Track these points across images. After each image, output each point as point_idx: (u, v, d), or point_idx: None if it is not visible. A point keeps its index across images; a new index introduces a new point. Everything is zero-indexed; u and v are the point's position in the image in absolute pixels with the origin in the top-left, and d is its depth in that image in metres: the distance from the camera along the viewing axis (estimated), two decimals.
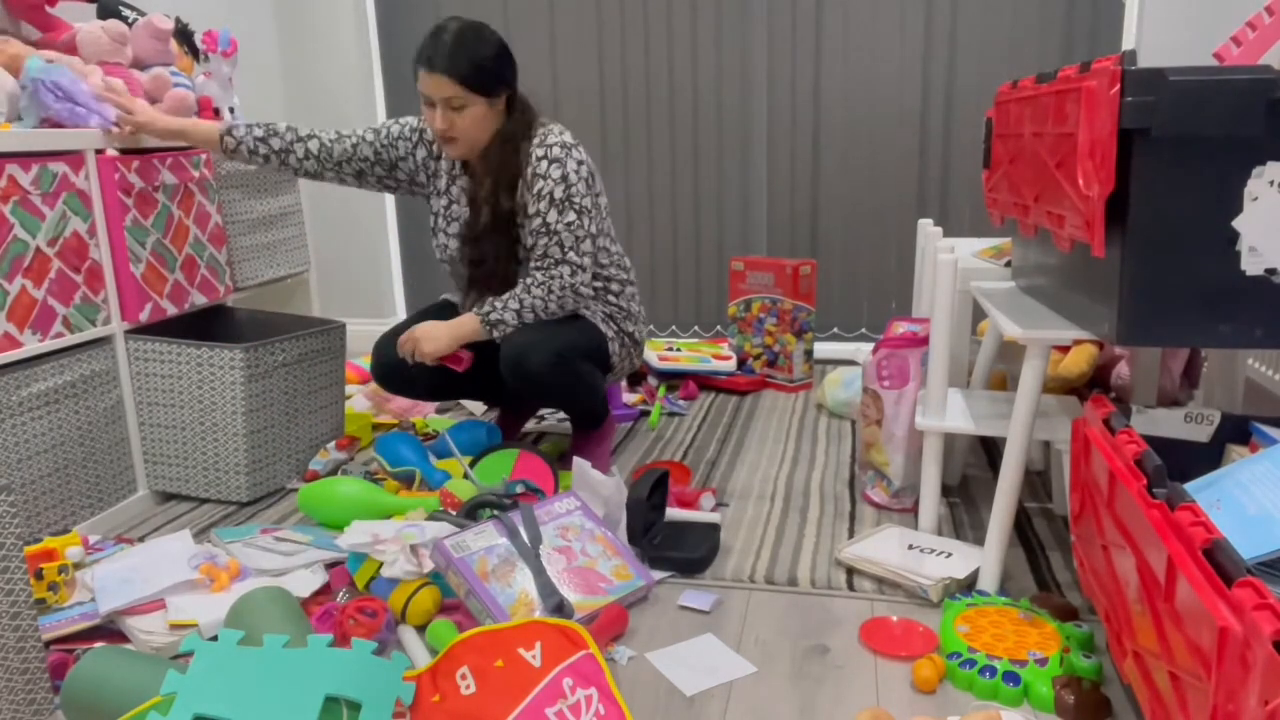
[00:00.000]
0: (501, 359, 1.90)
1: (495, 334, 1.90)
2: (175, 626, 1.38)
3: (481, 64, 1.86)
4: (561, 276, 1.87)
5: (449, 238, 2.06)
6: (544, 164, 1.89)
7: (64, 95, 1.80)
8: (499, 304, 1.89)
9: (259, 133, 2.02)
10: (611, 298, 2.08)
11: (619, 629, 1.43)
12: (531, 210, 1.89)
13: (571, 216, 1.88)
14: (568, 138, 1.92)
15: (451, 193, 2.05)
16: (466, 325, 1.91)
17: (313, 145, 2.04)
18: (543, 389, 1.92)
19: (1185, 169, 1.11)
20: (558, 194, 1.87)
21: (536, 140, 1.92)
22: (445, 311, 2.12)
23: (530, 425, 2.50)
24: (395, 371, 2.04)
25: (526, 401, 2.29)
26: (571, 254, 1.88)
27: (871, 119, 3.01)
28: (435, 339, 1.91)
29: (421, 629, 1.44)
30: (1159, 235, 1.14)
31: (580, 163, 1.91)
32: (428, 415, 2.57)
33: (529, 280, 1.89)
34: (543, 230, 1.88)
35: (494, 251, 1.96)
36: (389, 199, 3.47)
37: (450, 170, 2.06)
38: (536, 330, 1.88)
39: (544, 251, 1.88)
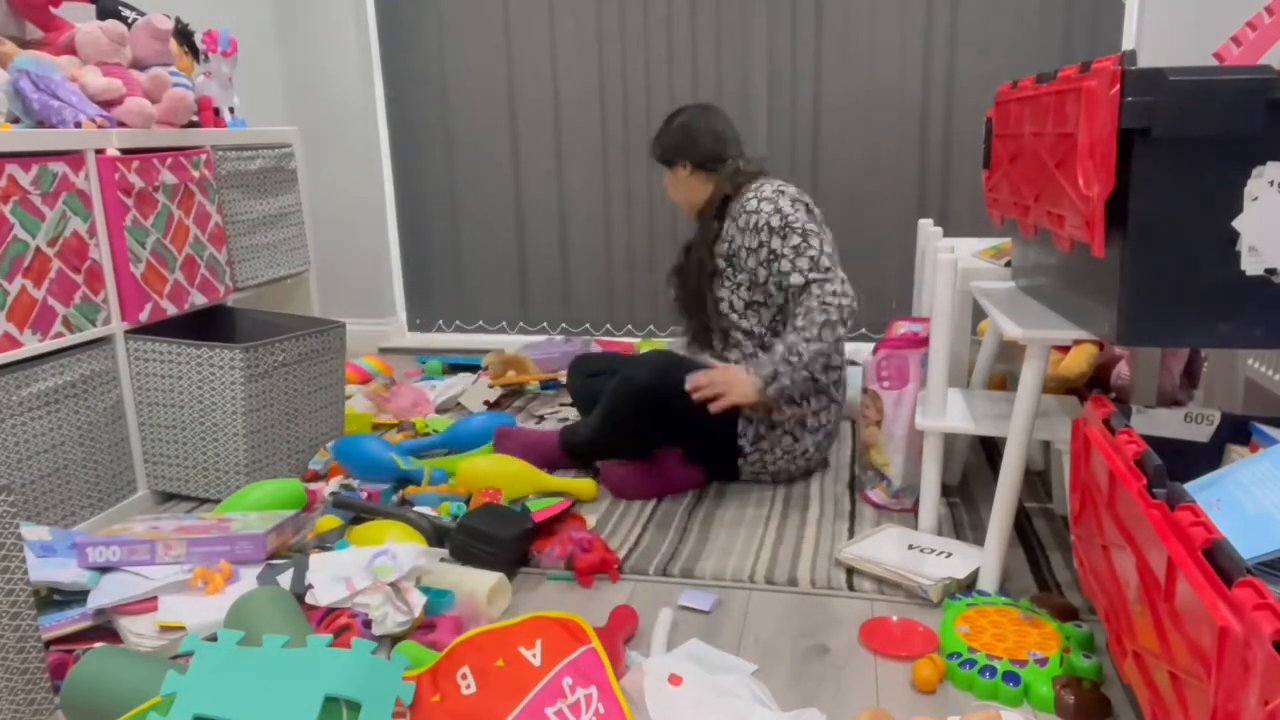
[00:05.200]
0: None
1: (770, 390, 1.84)
2: (165, 628, 1.38)
3: (657, 140, 2.14)
4: (820, 297, 1.83)
5: None
6: (753, 201, 1.97)
7: (43, 87, 1.79)
8: (775, 355, 1.84)
9: None
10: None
11: (631, 629, 1.42)
12: (754, 243, 1.95)
13: (796, 240, 1.90)
14: (784, 187, 1.99)
15: None
16: (748, 382, 1.85)
17: None
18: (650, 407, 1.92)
19: (1185, 169, 1.11)
20: (775, 223, 1.92)
21: (754, 190, 2.00)
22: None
23: (531, 426, 2.49)
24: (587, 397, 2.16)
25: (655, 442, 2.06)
26: (813, 272, 1.88)
27: (871, 119, 3.01)
28: (745, 393, 1.84)
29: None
30: (1159, 235, 1.14)
31: (795, 201, 1.95)
32: (428, 415, 2.57)
33: (798, 320, 1.85)
34: (771, 258, 1.93)
35: (686, 288, 2.11)
36: (389, 198, 3.47)
37: None
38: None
39: (787, 282, 1.91)
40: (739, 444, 1.98)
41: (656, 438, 1.98)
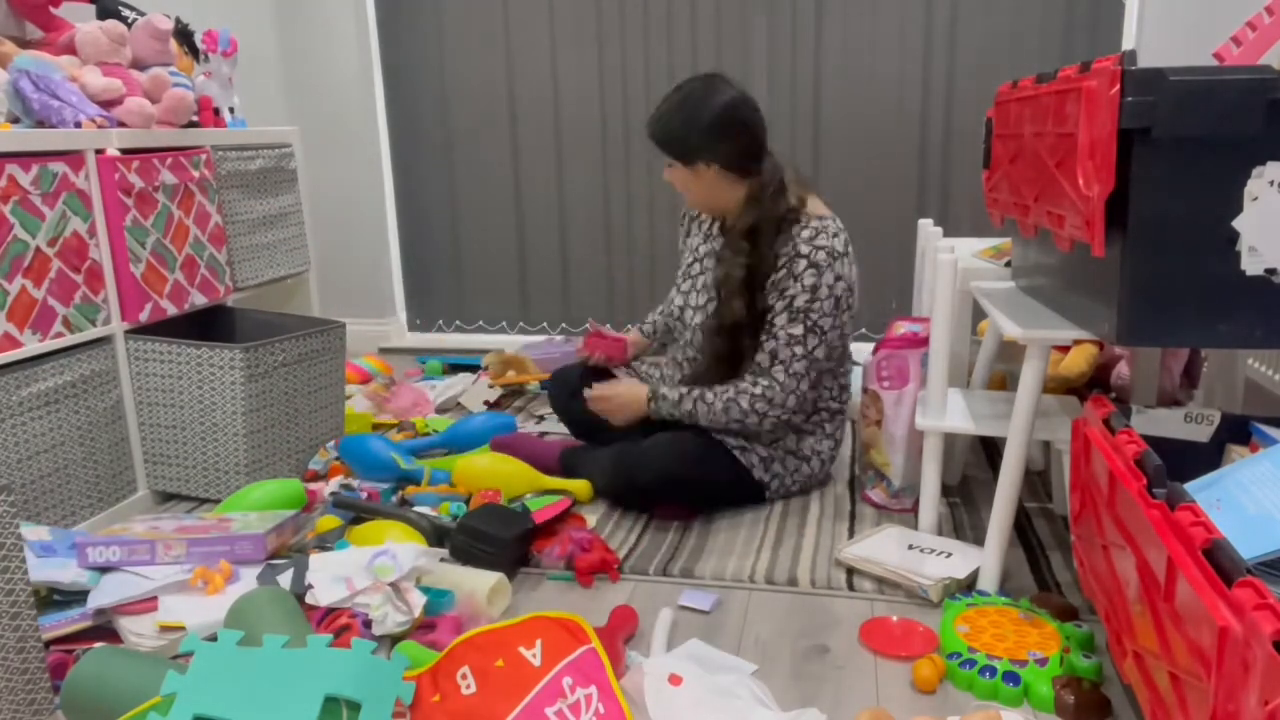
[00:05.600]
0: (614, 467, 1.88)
1: (653, 414, 1.87)
2: (164, 628, 1.38)
3: (669, 128, 1.83)
4: (755, 389, 1.78)
5: (679, 294, 2.03)
6: (801, 264, 1.77)
7: (43, 87, 1.79)
8: (671, 395, 1.84)
9: (659, 323, 2.18)
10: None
11: (631, 629, 1.42)
12: (772, 302, 1.80)
13: (799, 330, 1.77)
14: (839, 244, 1.80)
15: (699, 251, 2.01)
16: (639, 406, 1.88)
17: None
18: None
19: (1185, 169, 1.11)
20: (799, 303, 1.77)
21: (806, 235, 1.79)
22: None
23: (531, 426, 2.49)
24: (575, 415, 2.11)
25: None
26: (779, 370, 1.78)
27: (871, 119, 3.01)
28: (627, 415, 1.90)
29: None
30: (1159, 235, 1.14)
31: (839, 278, 1.79)
32: (428, 415, 2.57)
33: (726, 388, 1.81)
34: (768, 333, 1.80)
35: (723, 335, 1.88)
36: (389, 198, 3.47)
37: (706, 230, 2.02)
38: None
39: (757, 355, 1.81)
40: (760, 482, 1.89)
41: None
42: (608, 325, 2.33)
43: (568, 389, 2.12)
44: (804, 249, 1.78)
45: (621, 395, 1.90)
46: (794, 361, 1.78)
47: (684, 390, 1.84)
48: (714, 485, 1.86)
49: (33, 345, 1.73)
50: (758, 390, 1.79)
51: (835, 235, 1.81)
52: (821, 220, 1.82)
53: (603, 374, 2.09)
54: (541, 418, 2.55)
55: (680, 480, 1.81)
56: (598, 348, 2.10)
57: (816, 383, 1.88)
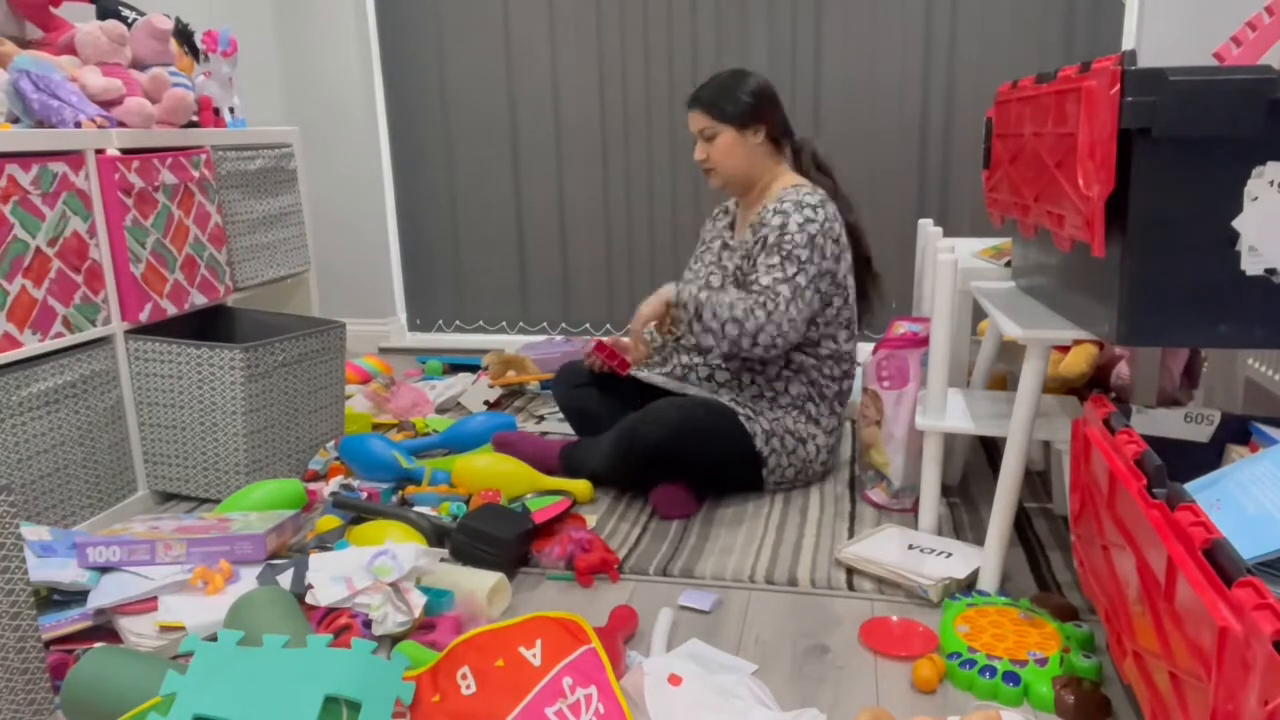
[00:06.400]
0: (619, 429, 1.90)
1: (677, 309, 1.88)
2: (164, 628, 1.38)
3: (727, 94, 1.94)
4: (758, 298, 1.82)
5: (689, 272, 2.14)
6: (769, 213, 1.90)
7: (43, 87, 1.80)
8: (693, 287, 1.88)
9: None
10: (800, 380, 1.98)
11: (631, 629, 1.42)
12: (756, 251, 1.91)
13: (775, 259, 1.84)
14: (809, 198, 1.89)
15: (711, 242, 2.13)
16: (667, 293, 1.92)
17: None
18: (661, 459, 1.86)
19: (1185, 169, 1.11)
20: (771, 238, 1.86)
21: (778, 195, 1.93)
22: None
23: (531, 426, 2.50)
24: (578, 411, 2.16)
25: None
26: (768, 296, 1.81)
27: (872, 119, 3.01)
28: (654, 304, 1.92)
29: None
30: (1159, 235, 1.14)
31: (809, 220, 1.86)
32: (428, 415, 2.57)
33: (739, 294, 1.86)
34: (752, 269, 1.91)
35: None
36: (389, 198, 3.47)
37: (722, 226, 2.14)
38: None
39: (750, 288, 1.87)
40: (759, 455, 1.91)
41: (666, 479, 1.90)
42: (615, 336, 2.39)
43: (573, 380, 2.17)
44: (773, 205, 1.92)
45: (650, 301, 1.92)
46: (778, 285, 1.83)
47: (704, 284, 1.90)
48: (715, 453, 1.87)
49: (33, 345, 1.73)
50: (760, 299, 1.82)
51: (808, 194, 1.91)
52: (797, 187, 1.94)
53: (608, 380, 2.13)
54: (541, 418, 2.55)
55: (685, 442, 1.83)
56: (604, 355, 2.10)
57: (817, 345, 1.97)
